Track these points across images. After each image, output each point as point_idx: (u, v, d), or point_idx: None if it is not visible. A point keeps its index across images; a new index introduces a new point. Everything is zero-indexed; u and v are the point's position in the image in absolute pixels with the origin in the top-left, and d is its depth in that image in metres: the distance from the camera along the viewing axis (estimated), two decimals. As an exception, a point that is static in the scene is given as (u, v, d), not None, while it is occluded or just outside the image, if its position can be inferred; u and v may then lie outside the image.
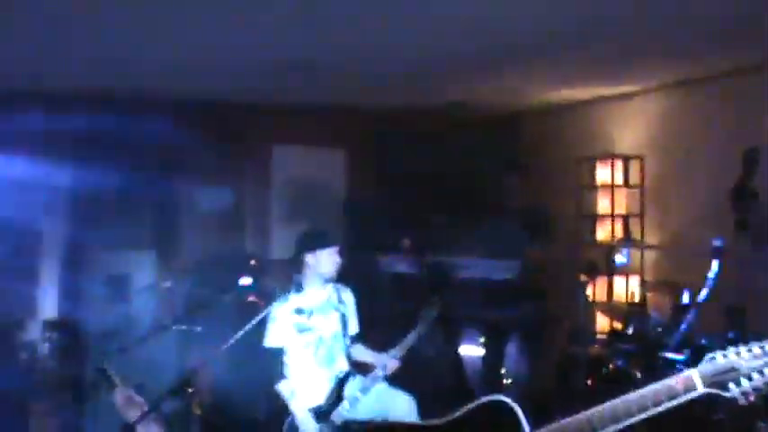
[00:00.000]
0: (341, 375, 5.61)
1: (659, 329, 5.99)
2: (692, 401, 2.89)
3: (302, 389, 5.58)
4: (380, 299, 7.63)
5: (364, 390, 5.61)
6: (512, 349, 7.46)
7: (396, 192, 9.24)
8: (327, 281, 5.80)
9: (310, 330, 5.69)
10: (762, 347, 2.80)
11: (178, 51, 6.59)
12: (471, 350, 7.62)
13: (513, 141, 9.93)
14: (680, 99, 8.05)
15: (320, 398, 5.53)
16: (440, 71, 7.54)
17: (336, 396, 5.53)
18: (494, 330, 7.38)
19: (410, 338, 5.77)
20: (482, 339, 7.48)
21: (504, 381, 7.44)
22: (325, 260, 5.74)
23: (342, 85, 8.22)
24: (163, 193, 8.83)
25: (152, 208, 8.85)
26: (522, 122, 10.04)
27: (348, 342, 5.83)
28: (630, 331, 6.09)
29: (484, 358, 7.47)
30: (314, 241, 5.78)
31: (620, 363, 5.95)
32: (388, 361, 5.71)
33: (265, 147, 9.48)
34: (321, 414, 5.47)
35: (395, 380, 5.80)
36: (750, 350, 2.80)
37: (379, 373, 5.69)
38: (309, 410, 5.46)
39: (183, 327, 6.85)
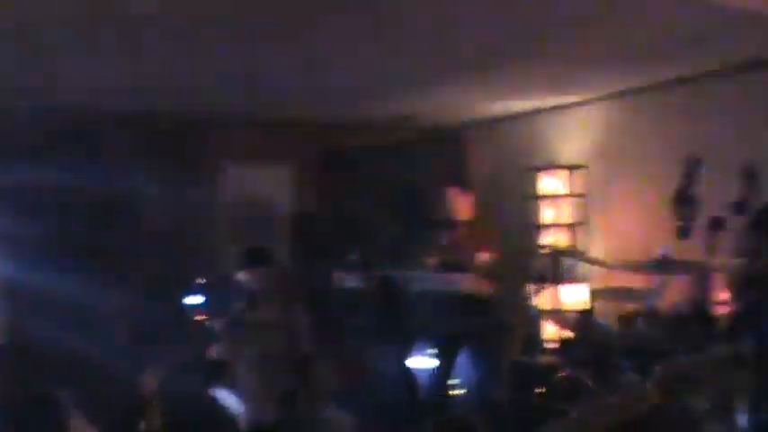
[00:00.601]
0: (287, 391, 5.61)
1: (607, 336, 6.06)
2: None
3: (247, 404, 5.59)
4: (331, 314, 7.63)
5: None
6: (463, 360, 7.48)
7: (342, 207, 9.25)
8: (269, 298, 5.81)
9: (255, 346, 5.69)
10: (706, 353, 2.88)
11: (124, 67, 6.57)
12: (422, 362, 7.63)
13: (458, 154, 9.97)
14: (622, 109, 8.17)
15: (264, 414, 5.53)
16: (383, 86, 7.58)
17: (281, 412, 5.52)
18: (444, 342, 7.40)
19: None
20: (433, 351, 7.50)
21: (456, 392, 7.47)
22: (255, 276, 5.76)
23: (287, 101, 8.23)
24: (107, 208, 8.75)
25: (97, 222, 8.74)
26: (466, 135, 10.09)
27: (297, 358, 5.83)
28: (580, 339, 6.14)
29: (435, 370, 7.49)
30: (250, 259, 5.81)
31: (570, 370, 6.00)
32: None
33: (212, 163, 9.43)
34: (263, 429, 5.47)
35: (341, 396, 5.81)
36: (695, 357, 2.88)
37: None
38: (252, 424, 5.47)
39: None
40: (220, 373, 5.68)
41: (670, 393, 2.88)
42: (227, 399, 5.62)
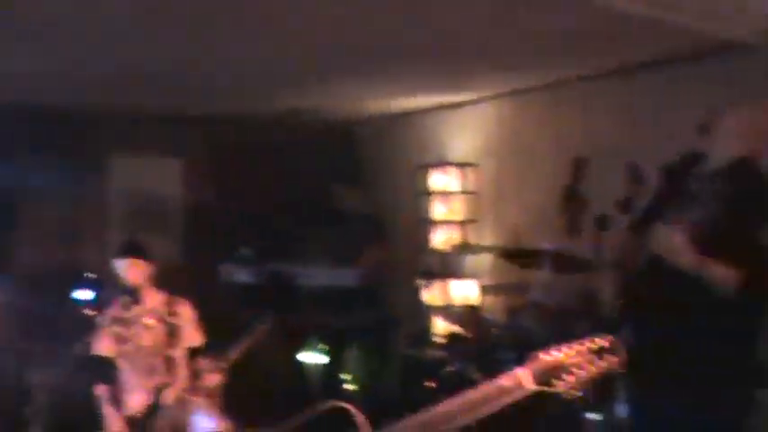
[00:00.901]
0: (160, 387, 5.55)
1: (494, 330, 6.15)
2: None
3: (126, 397, 5.54)
4: (221, 308, 7.59)
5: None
6: (352, 355, 7.52)
7: (233, 201, 9.20)
8: (134, 291, 5.75)
9: (130, 341, 5.63)
10: (581, 344, 2.93)
11: (18, 58, 6.43)
12: (312, 357, 7.64)
13: (350, 150, 9.99)
14: (513, 108, 8.28)
15: (138, 408, 5.48)
16: (276, 81, 7.56)
17: (153, 407, 5.48)
18: (334, 337, 7.43)
19: (232, 352, 5.74)
20: (323, 346, 7.52)
21: (346, 386, 7.50)
22: (128, 269, 5.71)
23: (178, 94, 8.15)
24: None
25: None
26: (358, 131, 10.12)
27: (180, 353, 5.76)
28: (467, 333, 6.22)
29: (325, 365, 7.51)
30: (117, 250, 5.78)
31: (457, 364, 6.08)
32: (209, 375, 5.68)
33: (102, 156, 9.29)
34: (135, 424, 5.42)
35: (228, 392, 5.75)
36: (574, 347, 2.93)
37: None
38: (125, 419, 5.42)
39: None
40: (104, 369, 5.60)
41: (544, 383, 2.92)
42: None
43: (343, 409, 3.28)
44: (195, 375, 5.77)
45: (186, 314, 5.83)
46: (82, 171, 9.12)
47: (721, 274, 3.77)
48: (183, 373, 5.81)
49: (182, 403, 5.56)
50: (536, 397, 3.19)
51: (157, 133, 9.29)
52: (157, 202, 9.49)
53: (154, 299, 5.74)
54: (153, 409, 5.48)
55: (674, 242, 3.88)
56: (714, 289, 3.77)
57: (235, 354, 5.73)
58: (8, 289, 7.84)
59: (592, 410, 5.36)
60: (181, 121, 9.29)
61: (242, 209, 9.00)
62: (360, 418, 3.20)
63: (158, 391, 5.53)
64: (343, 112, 9.36)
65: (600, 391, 5.21)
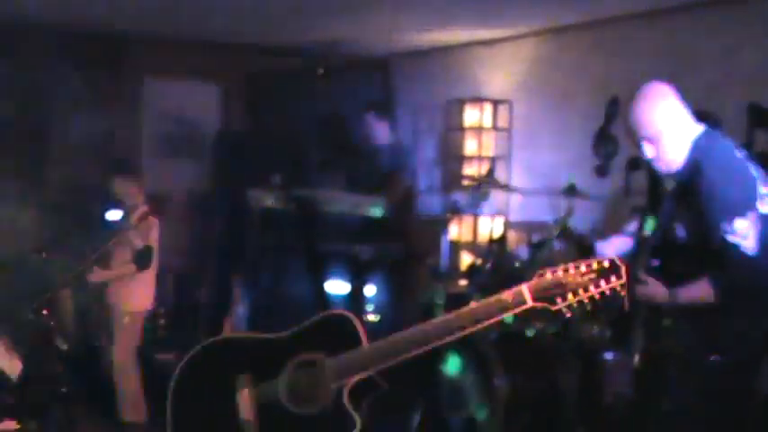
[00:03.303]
0: None
1: (517, 264, 6.16)
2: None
3: None
4: (248, 232, 7.67)
5: None
6: (377, 286, 7.56)
7: (267, 129, 9.24)
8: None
9: None
10: (589, 266, 2.96)
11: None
12: (338, 287, 7.69)
13: (384, 83, 9.96)
14: (550, 46, 8.21)
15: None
16: (312, 11, 7.55)
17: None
18: (358, 267, 7.47)
19: None
20: (346, 276, 7.56)
21: (370, 318, 7.55)
22: (120, 187, 5.93)
23: (214, 21, 8.17)
24: (31, 122, 8.65)
25: (18, 136, 8.64)
26: (392, 65, 10.07)
27: None
28: (489, 267, 6.23)
29: (348, 295, 7.56)
30: (112, 167, 6.03)
31: (478, 297, 6.10)
32: None
33: (138, 78, 9.33)
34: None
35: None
36: (577, 267, 2.96)
37: None
38: None
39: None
40: None
41: (545, 300, 2.96)
42: None
43: (342, 316, 3.36)
44: None
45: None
46: (119, 92, 9.19)
47: (695, 298, 3.73)
48: None
49: None
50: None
51: (193, 59, 9.31)
52: (192, 126, 9.55)
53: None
54: None
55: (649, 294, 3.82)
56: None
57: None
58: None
59: (610, 349, 5.38)
60: (217, 48, 9.31)
61: (274, 137, 9.04)
62: (358, 324, 3.29)
63: None
64: (379, 44, 9.32)
65: (618, 328, 5.24)
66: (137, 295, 6.57)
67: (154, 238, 6.46)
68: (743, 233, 3.52)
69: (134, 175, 6.57)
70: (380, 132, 7.64)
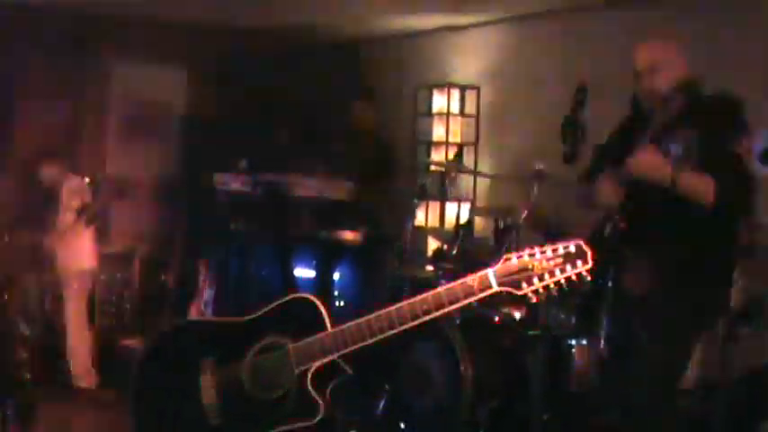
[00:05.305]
0: None
1: (481, 249, 6.17)
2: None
3: None
4: (215, 216, 7.63)
5: None
6: (343, 271, 7.55)
7: (237, 112, 9.17)
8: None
9: None
10: (555, 250, 2.95)
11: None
12: (304, 272, 7.66)
13: (353, 67, 9.93)
14: (519, 33, 8.23)
15: None
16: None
17: None
18: (325, 251, 7.45)
19: None
20: (313, 260, 7.54)
21: (336, 303, 7.53)
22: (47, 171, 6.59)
23: (187, 2, 8.12)
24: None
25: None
26: (362, 49, 10.04)
27: None
28: (455, 252, 6.22)
29: (315, 279, 7.54)
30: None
31: (443, 282, 6.09)
32: None
33: (105, 61, 9.23)
34: None
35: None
36: (543, 252, 2.95)
37: None
38: None
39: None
40: None
41: (510, 284, 2.96)
42: None
43: (306, 299, 3.35)
44: None
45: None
46: (86, 75, 9.09)
47: (695, 186, 3.82)
48: None
49: None
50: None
51: (161, 42, 9.22)
52: (159, 109, 9.47)
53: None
54: None
55: (646, 164, 3.93)
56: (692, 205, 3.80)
57: None
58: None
59: (576, 337, 5.40)
60: (187, 31, 9.22)
61: (242, 121, 8.99)
62: (322, 308, 3.28)
63: None
64: (348, 29, 9.29)
65: (584, 316, 5.26)
66: (83, 254, 6.90)
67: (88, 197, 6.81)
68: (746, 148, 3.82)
69: (59, 160, 6.80)
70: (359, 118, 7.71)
